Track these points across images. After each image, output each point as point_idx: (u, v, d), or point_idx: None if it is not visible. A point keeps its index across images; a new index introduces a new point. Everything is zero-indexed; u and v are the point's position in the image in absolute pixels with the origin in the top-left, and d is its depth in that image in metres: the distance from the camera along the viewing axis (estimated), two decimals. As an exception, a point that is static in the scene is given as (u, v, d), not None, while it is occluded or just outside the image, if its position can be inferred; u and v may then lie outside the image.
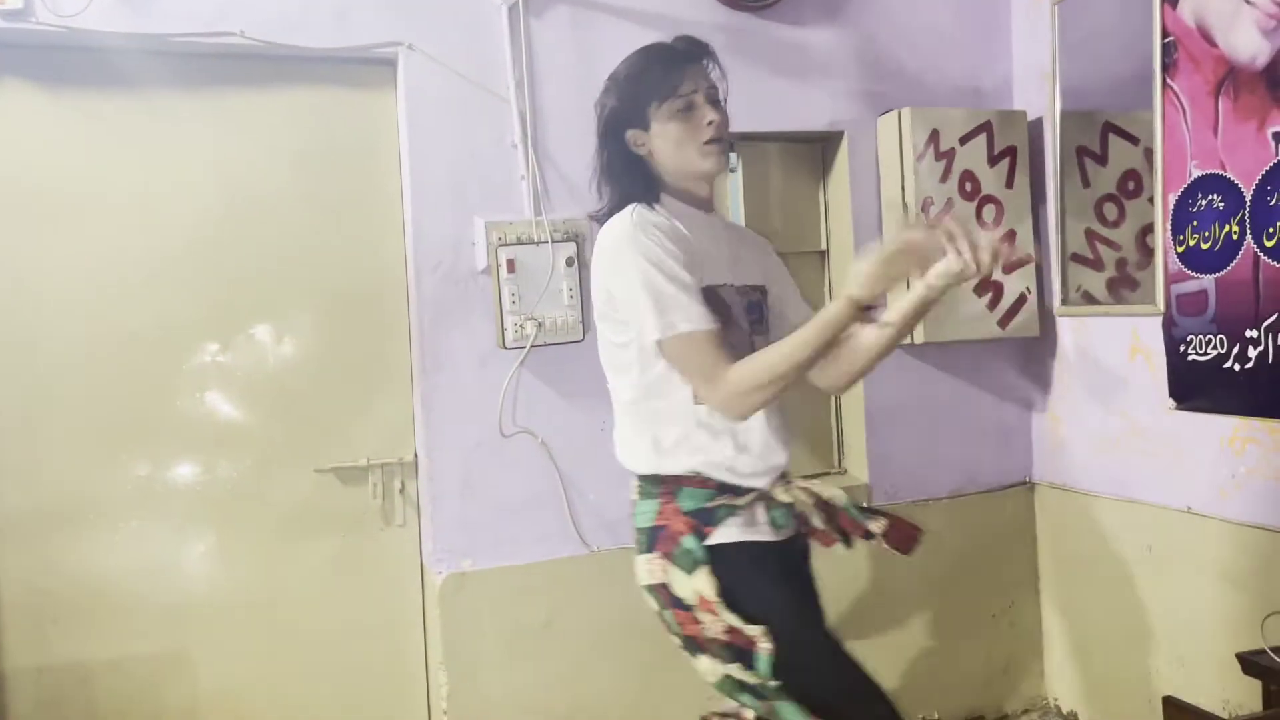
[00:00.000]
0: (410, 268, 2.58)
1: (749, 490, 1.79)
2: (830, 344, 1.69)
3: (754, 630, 1.68)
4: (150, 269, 2.44)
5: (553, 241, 2.54)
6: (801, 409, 3.04)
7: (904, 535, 1.87)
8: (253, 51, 2.43)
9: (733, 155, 2.49)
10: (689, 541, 1.75)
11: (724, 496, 1.77)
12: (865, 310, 1.67)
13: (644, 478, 1.82)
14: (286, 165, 2.54)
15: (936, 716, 3.02)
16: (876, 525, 1.86)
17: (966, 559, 3.04)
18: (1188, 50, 2.39)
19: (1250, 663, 2.11)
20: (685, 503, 1.77)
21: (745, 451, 1.78)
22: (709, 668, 1.76)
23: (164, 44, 2.36)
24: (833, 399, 3.07)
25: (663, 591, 1.78)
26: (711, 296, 1.75)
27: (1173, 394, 2.49)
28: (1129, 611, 2.77)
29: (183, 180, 2.46)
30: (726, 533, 1.76)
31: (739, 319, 1.81)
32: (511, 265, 2.50)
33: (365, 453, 2.61)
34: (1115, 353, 2.76)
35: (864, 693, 1.78)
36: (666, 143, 1.79)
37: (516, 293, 2.51)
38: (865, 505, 1.90)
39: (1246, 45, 2.25)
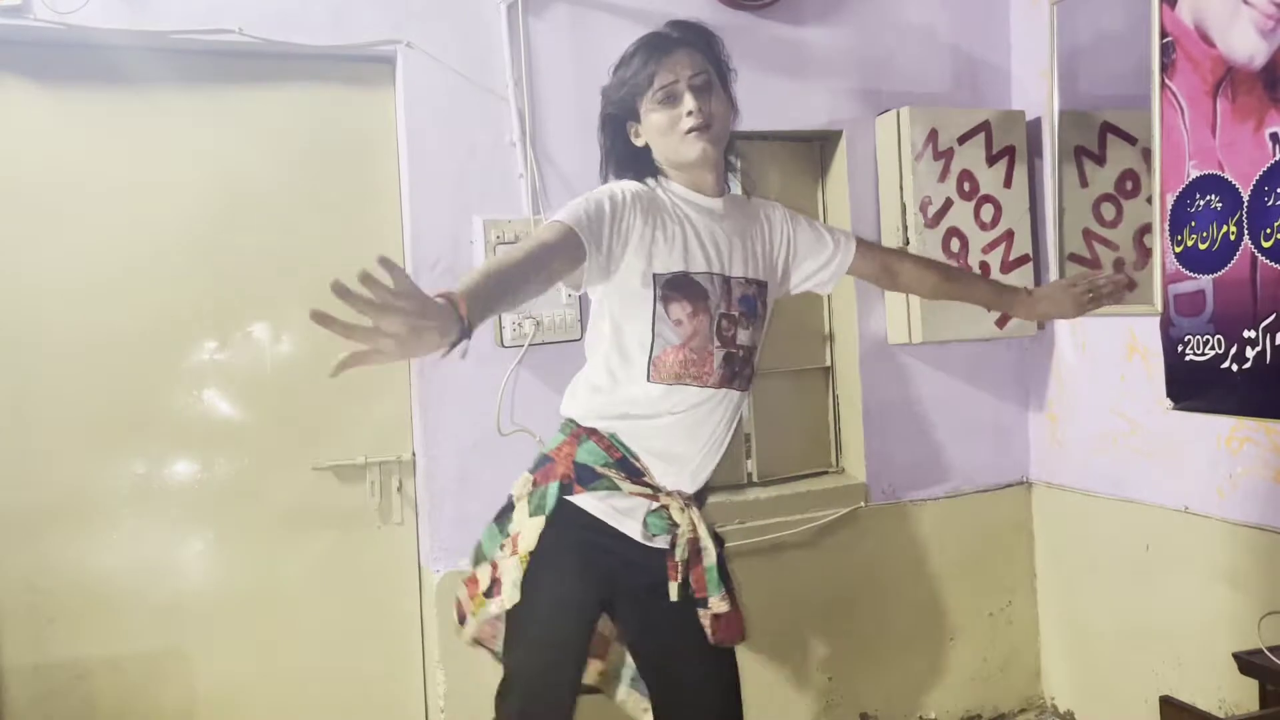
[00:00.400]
0: (408, 265, 2.57)
1: (644, 485, 1.79)
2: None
3: (509, 594, 1.78)
4: (147, 266, 2.44)
5: (551, 240, 2.53)
6: (798, 407, 3.04)
7: (730, 630, 1.80)
8: (251, 49, 2.42)
9: (731, 156, 2.50)
10: (553, 488, 1.80)
11: (617, 471, 1.78)
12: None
13: (569, 418, 1.86)
14: (285, 162, 2.54)
15: (933, 715, 3.02)
16: (716, 605, 1.79)
17: (963, 558, 3.05)
18: (1186, 50, 2.39)
19: (1247, 662, 2.11)
20: (582, 454, 1.80)
21: (639, 438, 1.79)
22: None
23: (162, 41, 2.36)
24: (831, 398, 3.07)
25: (508, 504, 1.87)
26: (682, 281, 1.75)
27: (1170, 394, 2.50)
28: (1126, 611, 2.77)
29: (180, 177, 2.46)
30: (589, 500, 1.79)
31: (718, 306, 1.77)
32: (510, 263, 2.50)
33: (363, 451, 2.61)
34: (1113, 352, 2.76)
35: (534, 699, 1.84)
36: (653, 134, 1.78)
37: (515, 291, 2.50)
38: (728, 578, 1.84)
39: (1244, 46, 2.25)
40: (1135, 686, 2.74)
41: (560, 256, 1.61)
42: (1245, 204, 2.25)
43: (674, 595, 1.79)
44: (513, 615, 1.81)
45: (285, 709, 2.55)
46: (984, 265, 2.88)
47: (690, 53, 1.77)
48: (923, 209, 2.81)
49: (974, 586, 3.06)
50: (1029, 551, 3.12)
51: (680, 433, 1.79)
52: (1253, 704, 2.16)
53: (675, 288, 1.75)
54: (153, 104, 2.44)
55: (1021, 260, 2.93)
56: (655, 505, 1.80)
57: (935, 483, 3.03)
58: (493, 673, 2.53)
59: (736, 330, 1.81)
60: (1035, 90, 2.97)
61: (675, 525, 1.80)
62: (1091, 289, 2.17)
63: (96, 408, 2.41)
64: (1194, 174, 2.39)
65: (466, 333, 1.37)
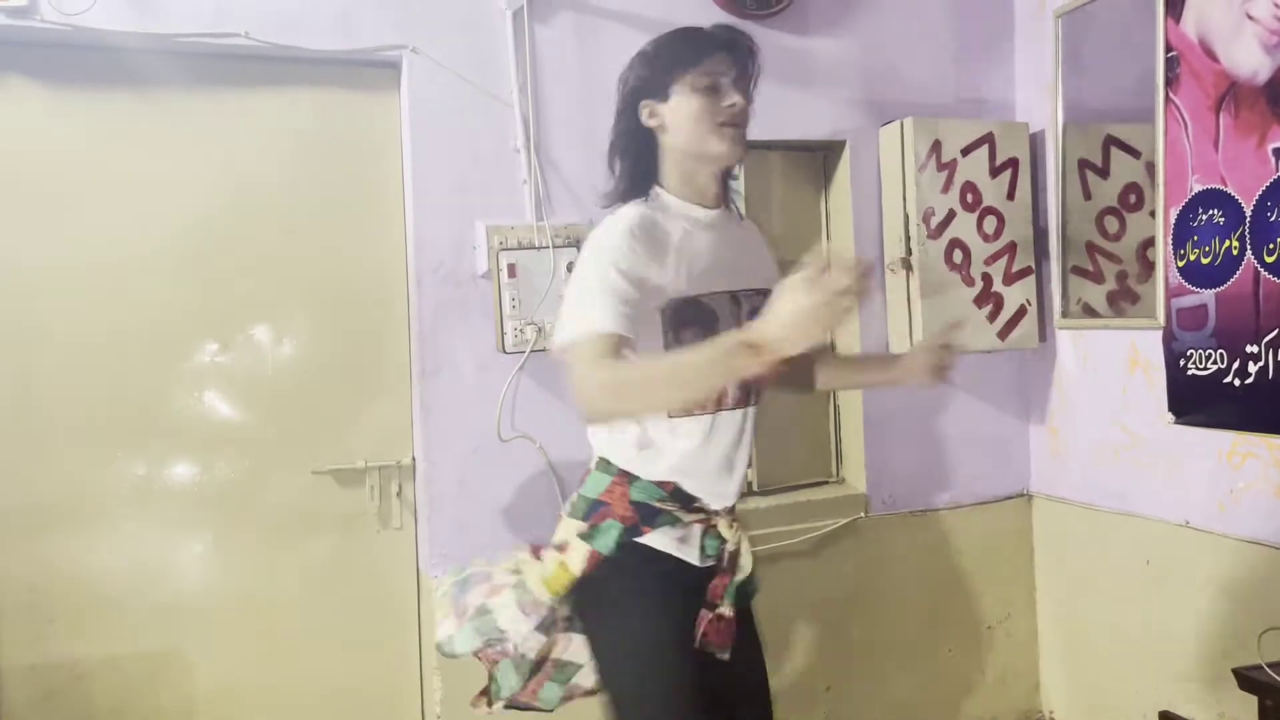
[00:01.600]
0: (411, 270, 2.58)
1: (697, 509, 1.76)
2: (713, 390, 1.64)
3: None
4: (150, 268, 2.44)
5: (554, 246, 2.54)
6: (799, 417, 3.04)
7: (722, 637, 1.77)
8: (257, 52, 2.43)
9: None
10: (615, 529, 1.72)
11: (673, 503, 1.74)
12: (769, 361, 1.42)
13: (604, 458, 1.79)
14: (289, 166, 2.55)
15: (931, 728, 3.02)
16: (725, 609, 1.76)
17: (963, 570, 3.04)
18: (1190, 65, 2.40)
19: (1247, 678, 2.11)
20: (636, 493, 1.73)
21: (695, 472, 1.74)
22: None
23: (169, 44, 2.36)
24: (832, 408, 3.06)
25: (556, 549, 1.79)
26: (692, 307, 1.68)
27: (1172, 408, 2.49)
28: (1126, 625, 2.76)
29: (185, 180, 2.47)
30: (659, 539, 1.73)
31: (729, 325, 1.69)
32: (512, 270, 2.50)
33: (363, 455, 2.61)
34: (1115, 366, 2.76)
35: None
36: (682, 117, 1.69)
37: (517, 297, 2.51)
38: (748, 590, 1.83)
39: (1248, 61, 2.26)
40: (1134, 701, 2.73)
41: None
42: (1248, 219, 2.25)
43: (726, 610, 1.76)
44: (616, 669, 1.74)
45: (282, 712, 2.54)
46: (986, 277, 2.88)
47: (738, 56, 1.72)
48: (925, 220, 2.81)
49: (973, 598, 3.05)
50: (1029, 564, 3.11)
51: (720, 457, 1.76)
52: (1252, 720, 2.15)
53: (684, 314, 1.68)
54: (158, 106, 2.45)
55: (1024, 272, 2.93)
56: (706, 528, 1.76)
57: (936, 494, 3.02)
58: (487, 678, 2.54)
59: None
60: (1039, 102, 2.98)
61: (724, 541, 1.77)
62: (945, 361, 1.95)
63: (98, 409, 2.41)
64: (1197, 188, 2.39)
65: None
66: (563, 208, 2.61)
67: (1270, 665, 2.07)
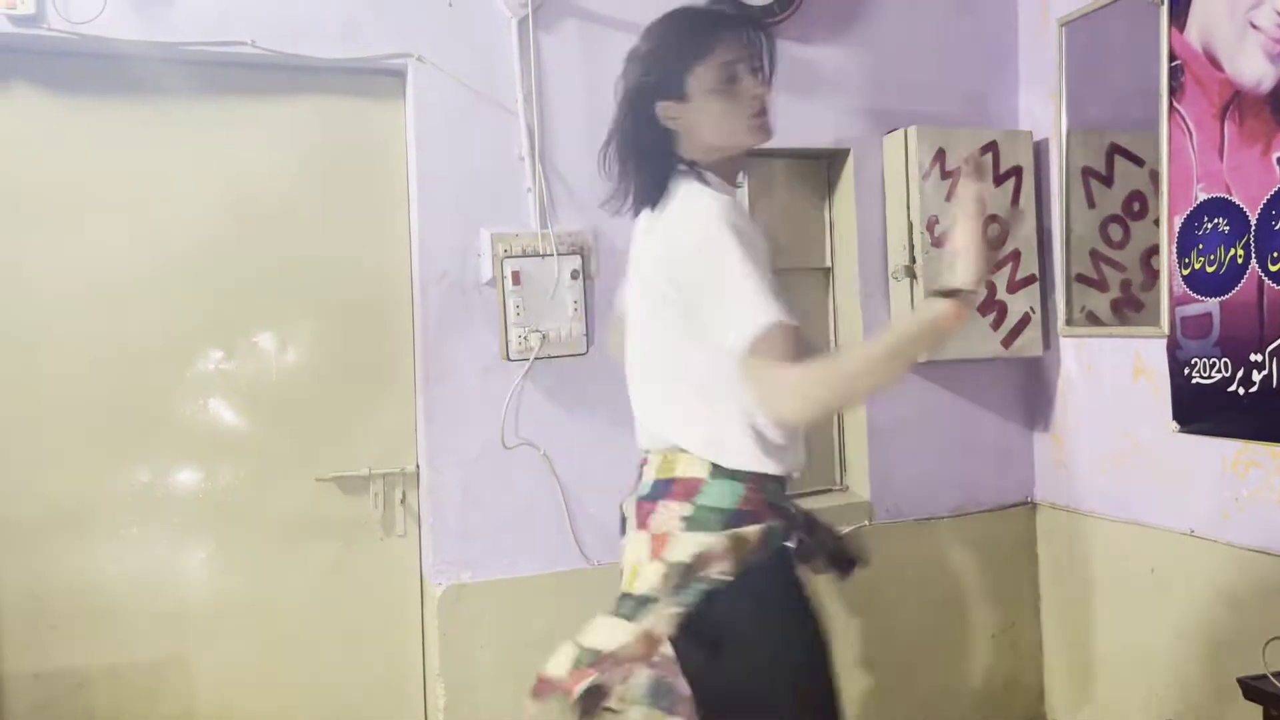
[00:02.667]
0: (415, 278, 2.58)
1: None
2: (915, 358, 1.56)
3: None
4: (156, 275, 2.45)
5: (558, 254, 2.54)
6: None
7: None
8: (263, 61, 2.44)
9: (740, 172, 2.50)
10: (773, 529, 1.59)
11: (785, 499, 1.67)
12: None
13: (717, 464, 1.61)
14: (294, 173, 2.55)
15: (935, 736, 3.01)
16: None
17: (968, 578, 3.03)
18: (1194, 73, 2.40)
19: (1251, 688, 2.10)
20: (770, 496, 1.62)
21: (793, 456, 1.66)
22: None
23: (175, 52, 2.37)
24: (835, 417, 3.06)
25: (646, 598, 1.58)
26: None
27: (1176, 416, 2.49)
28: (1130, 633, 2.76)
29: (190, 187, 2.47)
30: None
31: None
32: (517, 277, 2.50)
33: (367, 462, 2.61)
34: (1119, 374, 2.76)
35: None
36: (708, 117, 1.62)
37: (521, 305, 2.51)
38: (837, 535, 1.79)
39: (1252, 70, 2.26)
40: (1139, 710, 2.72)
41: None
42: (1253, 227, 2.25)
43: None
44: (794, 686, 1.59)
45: (284, 719, 2.54)
46: (990, 284, 2.88)
47: (751, 33, 1.64)
48: (929, 228, 2.81)
49: (977, 607, 3.05)
50: (1033, 572, 3.11)
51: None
52: (1257, 730, 2.14)
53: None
54: (164, 114, 2.45)
55: (1028, 280, 2.93)
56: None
57: (939, 502, 3.02)
58: (491, 688, 2.54)
59: None
60: (1043, 111, 2.98)
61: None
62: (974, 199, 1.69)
63: (101, 415, 2.42)
64: (1201, 197, 2.39)
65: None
66: (567, 216, 2.61)
67: (1275, 675, 2.06)
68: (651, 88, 1.64)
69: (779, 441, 1.63)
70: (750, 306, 1.49)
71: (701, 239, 1.54)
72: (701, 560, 1.55)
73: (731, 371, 1.54)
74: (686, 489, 1.62)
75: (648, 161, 1.67)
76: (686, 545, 1.57)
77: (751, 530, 1.58)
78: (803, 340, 1.52)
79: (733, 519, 1.58)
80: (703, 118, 1.63)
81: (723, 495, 1.60)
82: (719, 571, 1.55)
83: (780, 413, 1.51)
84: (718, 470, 1.61)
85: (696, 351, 1.60)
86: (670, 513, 1.61)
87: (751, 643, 1.57)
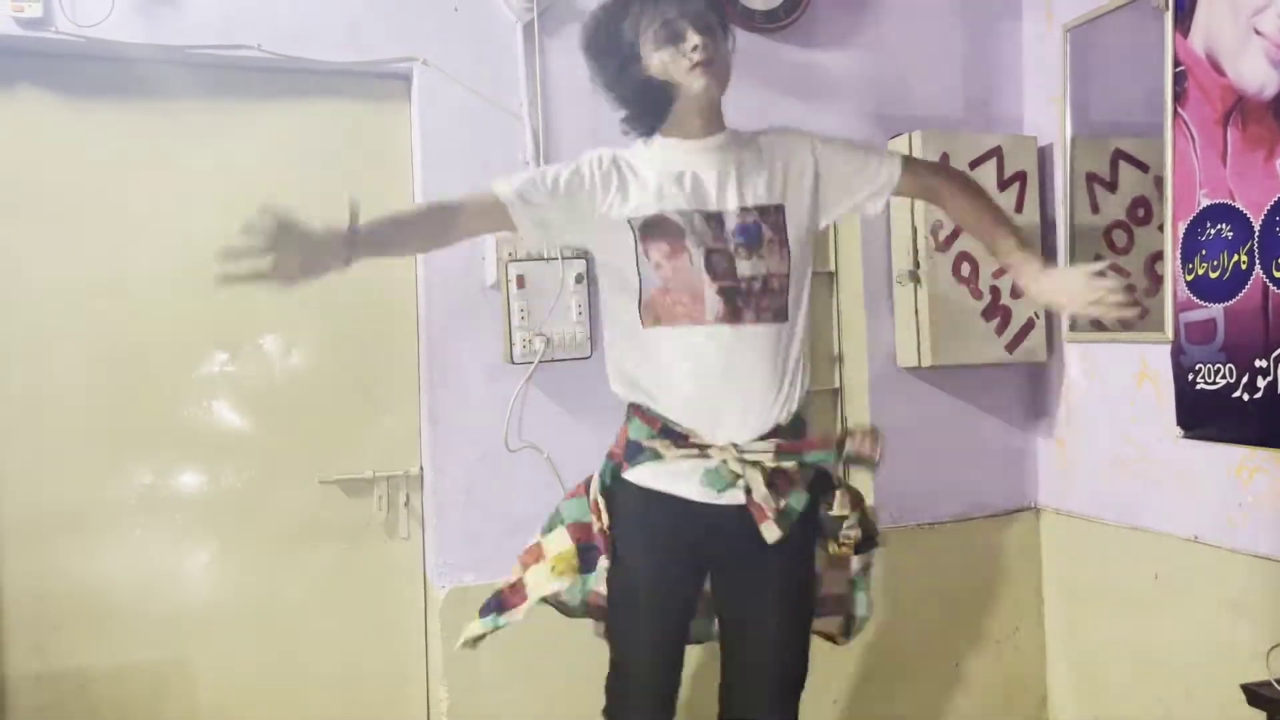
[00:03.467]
0: (420, 281, 2.59)
1: (692, 446, 1.79)
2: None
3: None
4: (161, 277, 2.45)
5: (562, 258, 2.54)
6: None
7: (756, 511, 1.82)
8: (269, 64, 2.45)
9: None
10: (604, 467, 1.91)
11: (662, 441, 1.80)
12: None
13: (626, 401, 1.91)
14: (299, 177, 2.55)
15: (938, 742, 3.00)
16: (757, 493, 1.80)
17: (971, 584, 3.03)
18: (1197, 79, 2.40)
19: (1255, 694, 2.10)
20: (633, 432, 1.86)
21: (665, 397, 1.82)
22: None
23: (181, 55, 2.38)
24: (839, 418, 3.06)
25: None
26: (656, 222, 1.78)
27: (1180, 422, 2.49)
28: (1134, 640, 2.75)
29: (196, 189, 2.48)
30: (641, 474, 1.83)
31: (702, 242, 1.77)
32: (521, 281, 2.51)
33: (371, 465, 2.61)
34: (1123, 380, 2.75)
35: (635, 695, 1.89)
36: (654, 72, 1.77)
37: (525, 308, 2.51)
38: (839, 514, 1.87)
39: (1255, 75, 2.26)
40: (1142, 716, 2.71)
41: (477, 216, 1.82)
42: (1256, 233, 2.25)
43: (769, 536, 1.78)
44: (612, 606, 1.90)
45: (287, 721, 2.54)
46: (994, 289, 2.88)
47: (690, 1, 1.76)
48: (934, 233, 2.81)
49: (980, 613, 3.04)
50: (1036, 578, 3.10)
51: (710, 378, 1.78)
52: (1261, 736, 2.14)
53: (650, 230, 1.78)
54: (170, 117, 2.46)
55: (1032, 285, 2.92)
56: (712, 464, 1.79)
57: (943, 507, 3.01)
58: (494, 690, 2.54)
59: (735, 263, 1.79)
60: (1047, 116, 2.98)
61: (739, 476, 1.78)
62: (1112, 292, 1.84)
63: (105, 417, 2.42)
64: (1205, 202, 2.39)
65: (349, 262, 1.72)
66: (571, 219, 2.62)
67: (1279, 681, 2.06)
68: (617, 59, 1.80)
69: (632, 367, 1.87)
70: None
71: None
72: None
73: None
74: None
75: (633, 105, 1.85)
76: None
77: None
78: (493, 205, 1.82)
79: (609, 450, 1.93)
80: (654, 73, 1.77)
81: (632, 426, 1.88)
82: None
83: None
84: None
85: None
86: None
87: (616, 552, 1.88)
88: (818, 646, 2.88)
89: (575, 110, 2.62)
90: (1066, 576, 3.02)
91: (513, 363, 2.54)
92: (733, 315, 1.78)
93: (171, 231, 2.46)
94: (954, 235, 2.83)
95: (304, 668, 2.56)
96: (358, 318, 2.61)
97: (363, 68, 2.52)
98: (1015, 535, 3.08)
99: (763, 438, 1.81)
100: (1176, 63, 2.45)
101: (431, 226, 1.83)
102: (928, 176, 2.02)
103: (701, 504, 1.80)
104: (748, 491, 1.78)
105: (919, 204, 2.81)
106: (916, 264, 2.82)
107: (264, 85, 2.52)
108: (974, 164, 2.85)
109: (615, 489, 1.88)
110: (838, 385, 3.06)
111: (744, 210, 1.81)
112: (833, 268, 3.04)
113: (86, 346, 2.41)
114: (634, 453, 1.83)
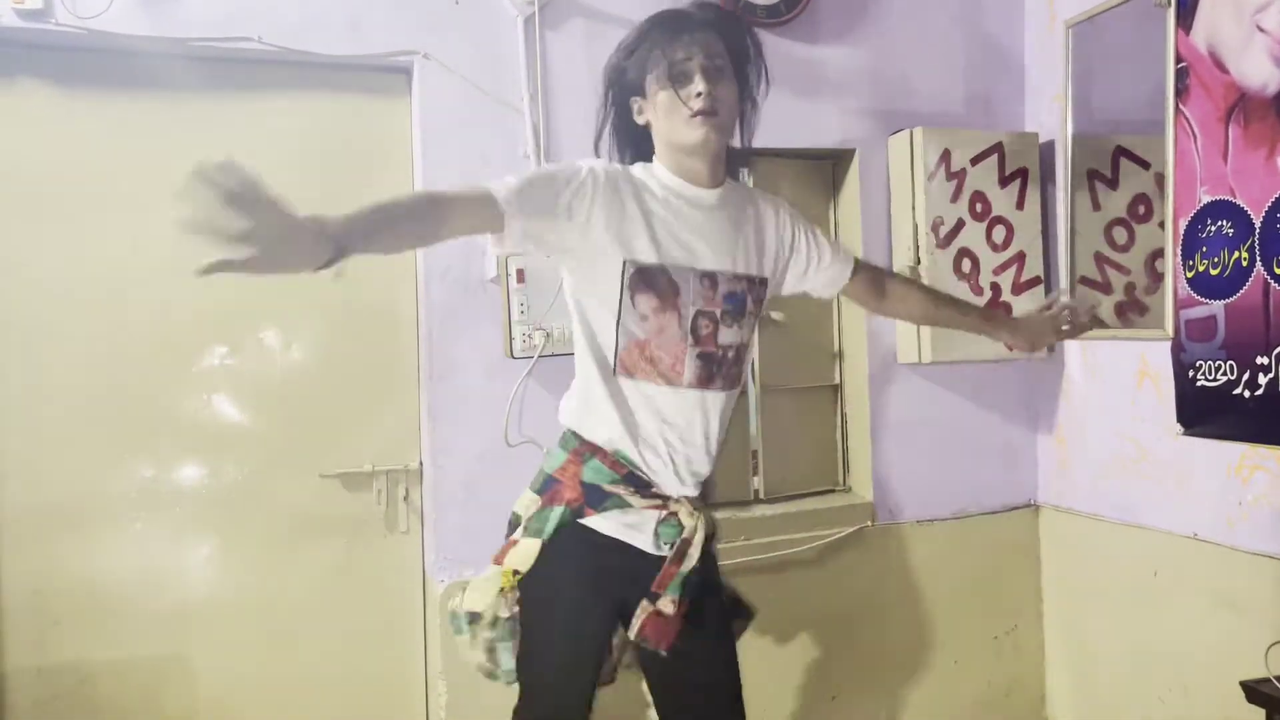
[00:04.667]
0: (420, 274, 2.59)
1: (654, 496, 1.76)
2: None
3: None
4: (160, 271, 2.44)
5: (563, 252, 2.54)
6: (805, 425, 3.04)
7: (660, 635, 1.74)
8: (269, 57, 2.45)
9: (743, 170, 2.50)
10: (555, 514, 1.75)
11: (626, 487, 1.74)
12: None
13: (570, 431, 1.81)
14: (299, 169, 2.54)
15: (936, 738, 3.01)
16: (664, 605, 1.74)
17: (969, 580, 3.03)
18: (1199, 76, 2.40)
19: (1254, 691, 2.10)
20: (589, 474, 1.75)
21: (650, 448, 1.75)
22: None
23: (182, 47, 2.38)
24: (839, 416, 3.06)
25: (512, 518, 1.85)
26: (654, 274, 1.69)
27: (1180, 419, 2.49)
28: (1133, 637, 2.75)
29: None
30: (602, 522, 1.75)
31: (694, 303, 1.72)
32: (521, 275, 2.50)
33: (370, 459, 2.61)
34: (1123, 377, 2.75)
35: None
36: (658, 112, 1.71)
37: (525, 302, 2.51)
38: (690, 590, 1.76)
39: (1257, 73, 2.26)
40: (1141, 713, 2.72)
41: (468, 216, 1.63)
42: (1257, 230, 2.25)
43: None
44: (527, 636, 1.78)
45: (287, 715, 2.54)
46: (995, 286, 2.88)
47: (708, 35, 1.69)
48: (934, 229, 2.81)
49: (980, 609, 3.04)
50: (1035, 575, 3.11)
51: (672, 434, 1.75)
52: (1260, 733, 2.14)
53: (645, 280, 1.69)
54: (170, 109, 2.46)
55: (1033, 282, 2.93)
56: (664, 515, 1.76)
57: (942, 503, 3.02)
58: (492, 684, 2.53)
59: (718, 329, 1.75)
60: (1049, 113, 2.98)
61: (683, 529, 1.76)
62: (1070, 319, 2.12)
63: (105, 411, 2.42)
64: (1206, 199, 2.38)
65: (340, 253, 1.48)
66: (572, 214, 2.61)
67: (1279, 678, 2.06)
68: (623, 84, 1.76)
69: (599, 408, 1.76)
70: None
71: None
72: (513, 543, 1.81)
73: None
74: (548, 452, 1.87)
75: (623, 153, 1.82)
76: (520, 499, 1.85)
77: (541, 505, 1.79)
78: (484, 199, 1.64)
79: (544, 484, 1.81)
80: (656, 114, 1.72)
81: (552, 460, 1.82)
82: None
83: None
84: (563, 437, 1.83)
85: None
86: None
87: (535, 599, 1.77)
88: (818, 646, 2.90)
89: (575, 104, 2.62)
90: (1066, 573, 3.02)
91: (513, 357, 2.54)
92: (706, 381, 1.76)
93: (170, 224, 2.45)
94: (955, 232, 2.83)
95: (303, 661, 2.56)
96: (357, 312, 2.60)
97: (363, 61, 2.51)
98: (1015, 532, 3.09)
99: (698, 487, 1.82)
100: (1178, 59, 2.45)
101: (423, 225, 1.63)
102: (873, 274, 2.04)
103: (641, 554, 1.76)
104: (685, 541, 1.75)
105: (919, 200, 2.81)
106: (917, 260, 2.82)
107: (264, 78, 2.52)
108: (975, 160, 2.86)
109: (563, 535, 1.76)
110: (837, 381, 3.06)
111: (735, 277, 1.77)
112: (833, 264, 3.04)
113: (85, 339, 2.40)
114: (597, 498, 1.74)
